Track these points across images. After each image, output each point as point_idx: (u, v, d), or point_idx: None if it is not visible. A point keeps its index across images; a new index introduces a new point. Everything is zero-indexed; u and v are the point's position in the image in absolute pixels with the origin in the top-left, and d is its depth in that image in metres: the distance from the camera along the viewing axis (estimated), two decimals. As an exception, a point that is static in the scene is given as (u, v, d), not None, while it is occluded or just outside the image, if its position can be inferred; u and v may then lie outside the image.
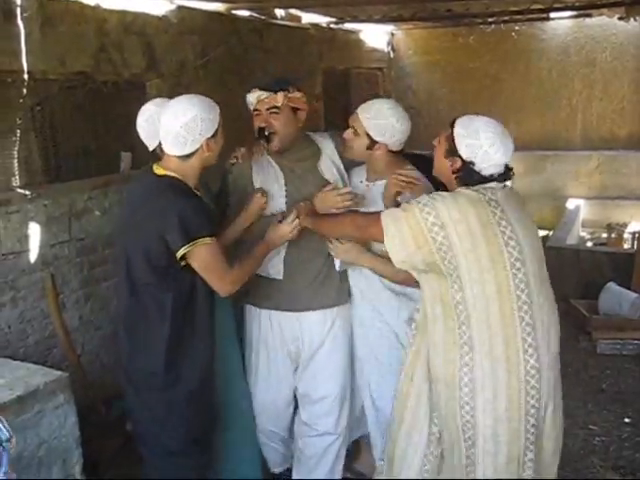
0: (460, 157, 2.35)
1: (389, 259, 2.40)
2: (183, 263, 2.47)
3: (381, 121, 2.79)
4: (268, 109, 2.80)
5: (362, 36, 7.84)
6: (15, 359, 3.22)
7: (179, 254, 2.42)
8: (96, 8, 4.03)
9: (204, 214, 2.49)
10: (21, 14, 3.55)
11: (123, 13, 4.22)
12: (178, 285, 2.50)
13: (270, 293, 2.96)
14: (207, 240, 2.43)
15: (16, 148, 3.73)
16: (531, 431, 2.29)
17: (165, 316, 2.49)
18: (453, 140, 2.36)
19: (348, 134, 2.88)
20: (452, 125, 2.39)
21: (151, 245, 2.45)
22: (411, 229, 2.27)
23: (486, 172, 2.33)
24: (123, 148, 4.24)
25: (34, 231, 3.68)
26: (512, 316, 2.25)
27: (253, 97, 2.84)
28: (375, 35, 8.15)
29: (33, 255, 3.70)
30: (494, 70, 8.36)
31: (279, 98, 2.79)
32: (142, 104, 2.78)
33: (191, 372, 2.56)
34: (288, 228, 2.71)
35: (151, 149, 2.75)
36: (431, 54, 8.65)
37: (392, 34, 8.64)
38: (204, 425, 2.66)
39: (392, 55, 8.74)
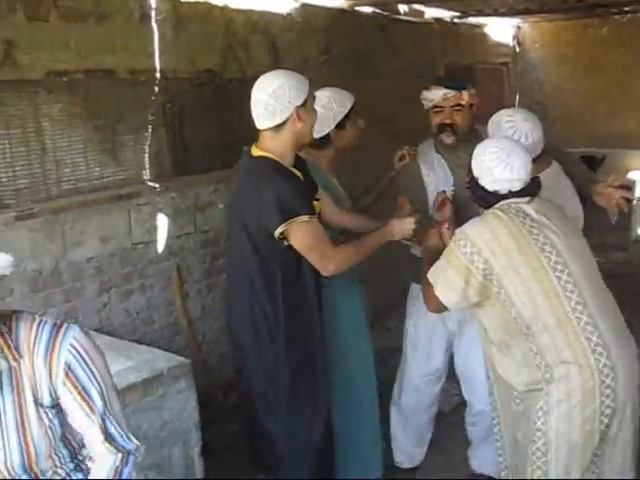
0: (473, 173, 2.43)
1: None
2: (286, 243, 2.48)
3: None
4: (452, 106, 2.97)
5: (486, 30, 7.65)
6: (141, 343, 3.39)
7: (277, 233, 2.43)
8: (224, 8, 4.16)
9: (301, 192, 2.48)
10: (155, 16, 3.73)
11: (249, 13, 4.33)
12: (282, 267, 2.52)
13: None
14: (304, 218, 2.43)
15: (148, 143, 3.92)
16: (601, 428, 2.21)
17: (271, 296, 2.53)
18: (471, 158, 2.44)
19: None
20: None
21: (252, 227, 2.49)
22: (454, 269, 2.33)
23: (490, 187, 2.36)
24: (246, 143, 4.36)
25: (162, 222, 3.86)
26: (567, 319, 2.22)
27: (437, 95, 2.97)
28: (500, 29, 7.93)
29: (161, 245, 3.88)
30: (629, 63, 7.89)
31: (465, 96, 2.98)
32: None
33: (293, 351, 2.58)
34: (410, 224, 2.69)
35: (317, 136, 2.84)
36: (559, 47, 8.30)
37: (518, 27, 8.37)
38: (313, 403, 2.66)
39: (518, 49, 8.48)
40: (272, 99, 2.43)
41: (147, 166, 3.94)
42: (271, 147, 2.51)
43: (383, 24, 5.70)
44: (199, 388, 3.00)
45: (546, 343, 2.23)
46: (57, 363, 1.42)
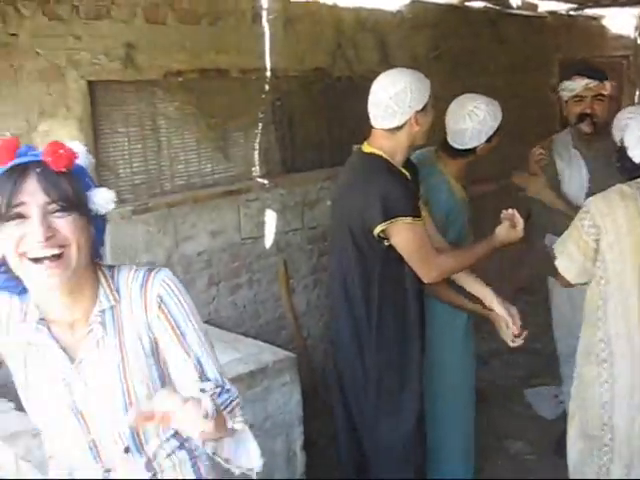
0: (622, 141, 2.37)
1: None
2: (387, 243, 2.43)
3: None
4: (594, 96, 3.00)
5: (604, 22, 7.31)
6: (248, 336, 3.47)
7: (376, 231, 2.38)
8: (333, 7, 4.19)
9: (408, 193, 2.41)
10: (266, 16, 3.81)
11: (358, 11, 4.34)
12: (382, 267, 2.47)
13: None
14: (408, 220, 2.36)
15: (257, 140, 4.01)
16: None
17: (367, 295, 2.49)
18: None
19: None
20: None
21: (354, 222, 2.45)
22: (573, 241, 2.33)
23: (637, 160, 2.27)
24: (355, 141, 4.37)
25: (270, 218, 3.94)
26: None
27: (580, 84, 3.00)
28: (620, 20, 7.55)
29: (269, 241, 3.96)
30: None
31: (607, 86, 3.01)
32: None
33: (382, 355, 2.54)
34: (519, 232, 2.56)
35: (462, 148, 2.79)
36: (686, 38, 7.81)
37: (640, 18, 7.96)
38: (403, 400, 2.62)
39: (639, 41, 8.05)
40: (393, 102, 2.37)
41: (257, 163, 4.03)
42: (384, 146, 2.46)
43: (494, 19, 5.56)
44: (302, 382, 3.03)
45: (619, 332, 2.24)
46: (151, 296, 1.47)
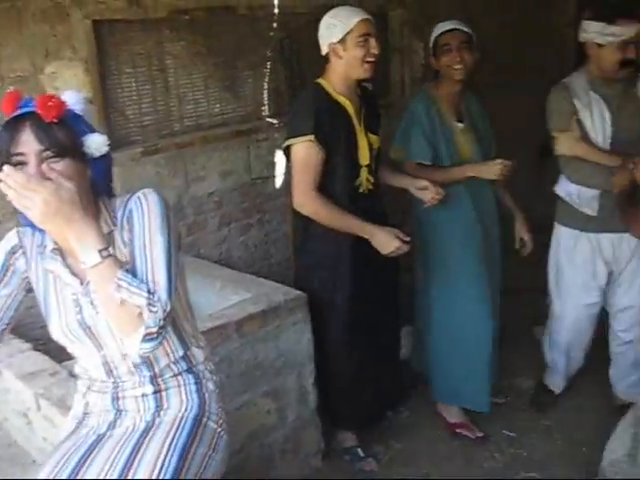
0: None
1: None
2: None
3: None
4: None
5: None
6: (259, 276, 3.50)
7: (283, 147, 2.70)
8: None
9: (323, 115, 2.57)
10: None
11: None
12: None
13: (590, 219, 3.00)
14: (309, 137, 2.55)
15: (266, 80, 3.96)
16: None
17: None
18: None
19: None
20: None
21: None
22: None
23: None
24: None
25: (280, 158, 3.92)
26: None
27: (630, 30, 2.70)
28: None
29: (278, 181, 3.95)
30: None
31: None
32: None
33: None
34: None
35: None
36: None
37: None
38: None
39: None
40: (319, 35, 2.69)
41: (266, 102, 3.99)
42: (326, 74, 2.73)
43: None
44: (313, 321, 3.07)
45: None
46: (126, 213, 1.57)
